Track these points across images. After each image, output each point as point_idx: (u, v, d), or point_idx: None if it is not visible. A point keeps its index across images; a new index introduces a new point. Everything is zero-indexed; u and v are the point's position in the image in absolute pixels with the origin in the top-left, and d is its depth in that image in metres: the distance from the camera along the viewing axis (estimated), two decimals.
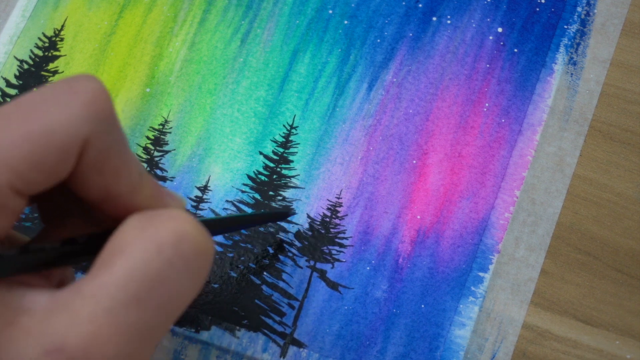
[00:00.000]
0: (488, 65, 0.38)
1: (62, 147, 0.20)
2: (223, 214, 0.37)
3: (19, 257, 0.20)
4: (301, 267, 0.36)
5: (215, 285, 0.36)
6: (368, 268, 0.35)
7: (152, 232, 0.21)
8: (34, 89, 0.21)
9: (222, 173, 0.38)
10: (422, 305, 0.35)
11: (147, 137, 0.39)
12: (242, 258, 0.36)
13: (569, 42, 0.37)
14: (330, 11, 0.39)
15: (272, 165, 0.38)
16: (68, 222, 0.25)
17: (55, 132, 0.20)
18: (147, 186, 0.23)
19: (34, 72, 0.40)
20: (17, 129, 0.20)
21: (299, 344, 0.35)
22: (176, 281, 0.20)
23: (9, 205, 0.20)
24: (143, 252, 0.20)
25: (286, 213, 0.35)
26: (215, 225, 0.30)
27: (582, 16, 0.37)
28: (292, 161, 0.38)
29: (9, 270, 0.20)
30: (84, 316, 0.19)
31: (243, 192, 0.37)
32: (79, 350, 0.19)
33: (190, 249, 0.21)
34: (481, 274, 0.35)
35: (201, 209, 0.37)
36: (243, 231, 0.37)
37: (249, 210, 0.37)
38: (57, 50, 0.40)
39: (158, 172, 0.38)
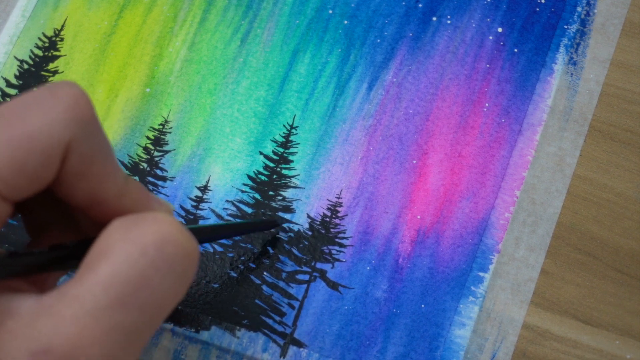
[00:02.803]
0: (488, 65, 0.38)
1: (44, 151, 0.20)
2: (223, 214, 0.37)
3: (8, 261, 0.20)
4: (301, 268, 0.36)
5: (215, 285, 0.36)
6: (368, 268, 0.35)
7: (136, 234, 0.21)
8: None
9: (222, 173, 0.38)
10: (422, 305, 0.35)
11: (147, 137, 0.39)
12: (242, 258, 0.36)
13: (569, 42, 0.37)
14: (330, 11, 0.39)
15: (272, 165, 0.38)
16: (53, 234, 0.25)
17: (37, 137, 0.20)
18: (133, 191, 0.23)
19: (34, 72, 0.40)
20: None
21: (299, 344, 0.35)
22: (160, 283, 0.21)
23: None
24: (127, 254, 0.20)
25: (274, 222, 0.35)
26: (200, 233, 0.30)
27: (582, 16, 0.37)
28: (292, 161, 0.38)
29: None
30: (68, 318, 0.19)
31: (243, 192, 0.37)
32: (64, 352, 0.19)
33: (174, 251, 0.21)
34: (481, 274, 0.35)
35: (201, 209, 0.37)
36: None
37: (249, 210, 0.37)
38: (57, 50, 0.40)
39: (158, 172, 0.38)
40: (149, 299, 0.20)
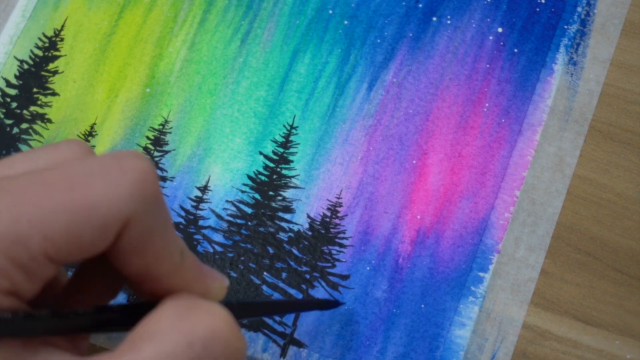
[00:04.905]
0: (488, 65, 0.38)
1: (102, 223, 0.20)
2: (223, 214, 0.37)
3: (50, 319, 0.20)
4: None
5: None
6: (368, 268, 0.35)
7: (186, 324, 0.20)
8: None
9: (222, 173, 0.38)
10: (422, 305, 0.35)
11: (147, 137, 0.39)
12: (242, 258, 0.36)
13: (569, 42, 0.37)
14: (330, 11, 0.39)
15: (272, 165, 0.38)
16: (99, 281, 0.24)
17: (97, 208, 0.20)
18: (188, 268, 0.22)
19: (34, 72, 0.40)
20: (58, 198, 0.19)
21: (299, 344, 0.35)
22: None
23: (40, 272, 0.20)
24: (174, 343, 0.20)
25: (335, 302, 0.32)
26: (255, 310, 0.28)
27: (582, 16, 0.37)
28: (292, 161, 0.38)
29: (39, 331, 0.20)
30: None
31: (243, 192, 0.37)
32: None
33: (220, 349, 0.21)
34: (481, 274, 0.35)
35: (201, 209, 0.37)
36: (243, 231, 0.37)
37: (249, 210, 0.37)
38: (57, 50, 0.40)
39: (158, 172, 0.38)
40: None
